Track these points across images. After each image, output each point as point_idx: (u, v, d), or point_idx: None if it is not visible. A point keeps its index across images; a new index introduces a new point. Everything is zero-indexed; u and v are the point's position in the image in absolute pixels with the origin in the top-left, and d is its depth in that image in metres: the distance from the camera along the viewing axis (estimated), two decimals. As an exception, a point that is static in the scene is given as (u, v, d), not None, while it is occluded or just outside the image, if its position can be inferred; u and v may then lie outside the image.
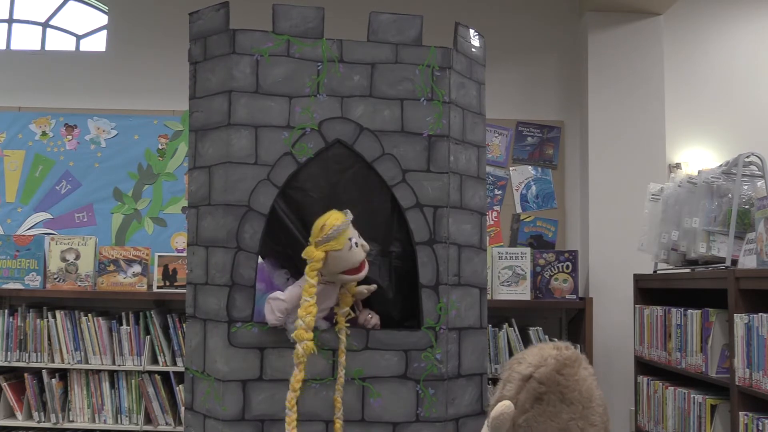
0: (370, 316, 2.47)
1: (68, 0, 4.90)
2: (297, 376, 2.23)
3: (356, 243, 2.28)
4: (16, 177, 4.55)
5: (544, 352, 1.85)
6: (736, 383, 2.53)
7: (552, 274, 4.06)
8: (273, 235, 2.47)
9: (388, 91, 2.50)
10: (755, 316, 2.41)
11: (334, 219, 2.26)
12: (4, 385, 4.05)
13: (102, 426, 4.05)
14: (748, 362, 2.45)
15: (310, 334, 2.22)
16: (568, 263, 4.06)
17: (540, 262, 4.07)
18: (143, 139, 4.56)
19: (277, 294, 2.35)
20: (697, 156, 4.51)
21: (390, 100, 2.50)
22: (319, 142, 2.46)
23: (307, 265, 2.25)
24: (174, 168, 4.55)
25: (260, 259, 2.59)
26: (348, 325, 2.36)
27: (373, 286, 2.44)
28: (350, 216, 2.29)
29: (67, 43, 4.87)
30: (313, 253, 2.24)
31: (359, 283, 2.40)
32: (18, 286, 4.15)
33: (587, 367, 1.83)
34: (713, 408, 2.73)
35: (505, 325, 4.01)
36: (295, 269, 2.49)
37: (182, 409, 3.89)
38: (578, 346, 4.05)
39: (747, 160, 2.98)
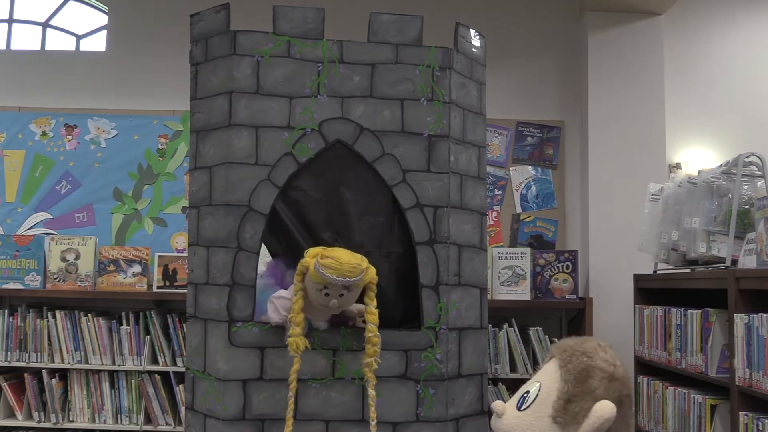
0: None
1: (68, 0, 4.90)
2: (292, 368, 2.24)
3: (327, 293, 2.19)
4: (16, 177, 4.55)
5: (606, 350, 1.87)
6: (736, 383, 2.53)
7: (552, 274, 4.06)
8: (274, 235, 2.47)
9: (389, 92, 2.50)
10: (755, 316, 2.41)
11: (342, 267, 2.16)
12: (4, 385, 4.05)
13: (102, 426, 4.05)
14: (748, 362, 2.45)
15: (297, 330, 2.21)
16: (568, 263, 4.06)
17: (540, 262, 4.08)
18: (143, 139, 4.56)
19: (281, 292, 2.35)
20: (697, 156, 4.51)
21: (390, 101, 2.50)
22: (320, 143, 2.46)
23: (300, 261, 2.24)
24: (174, 168, 4.55)
25: (269, 258, 2.60)
26: (375, 381, 2.27)
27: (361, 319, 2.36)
28: (344, 281, 2.18)
29: (67, 43, 4.88)
30: (306, 256, 2.22)
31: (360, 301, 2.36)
32: (18, 286, 4.16)
33: None
34: (713, 408, 2.73)
35: (505, 325, 4.01)
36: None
37: (182, 409, 3.90)
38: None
39: (747, 160, 2.98)
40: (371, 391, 2.25)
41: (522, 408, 1.84)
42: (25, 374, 4.05)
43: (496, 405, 1.83)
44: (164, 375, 4.07)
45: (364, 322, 2.32)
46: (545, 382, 1.86)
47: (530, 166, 4.56)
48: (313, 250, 2.24)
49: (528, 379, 2.17)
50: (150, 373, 4.04)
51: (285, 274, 2.49)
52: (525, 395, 1.90)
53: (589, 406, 1.78)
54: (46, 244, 4.19)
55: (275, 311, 2.32)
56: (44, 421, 4.04)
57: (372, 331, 2.24)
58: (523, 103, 4.59)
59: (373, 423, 2.24)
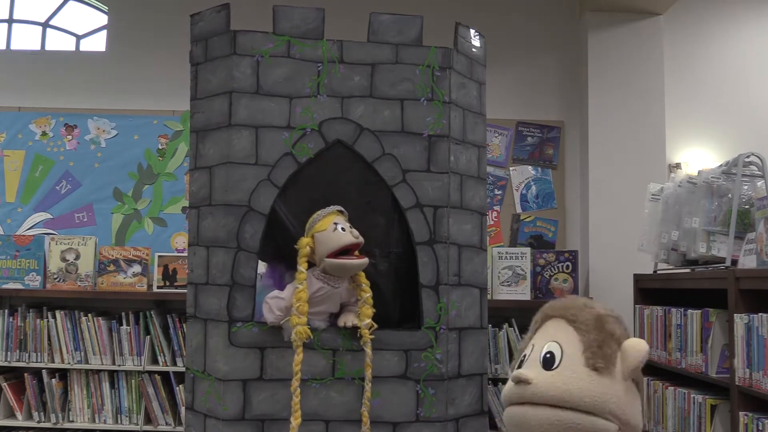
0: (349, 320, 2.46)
1: (68, 0, 4.90)
2: (296, 360, 2.26)
3: (343, 228, 2.29)
4: (16, 177, 4.55)
5: (595, 302, 1.98)
6: (736, 383, 2.53)
7: (552, 274, 4.06)
8: (273, 236, 2.47)
9: (389, 92, 2.50)
10: (755, 316, 2.41)
11: (326, 207, 2.35)
12: (4, 385, 4.05)
13: (102, 426, 4.05)
14: (748, 362, 2.45)
15: (303, 319, 2.24)
16: (568, 263, 4.06)
17: (540, 262, 4.07)
18: (143, 139, 4.56)
19: (276, 293, 2.36)
20: (697, 156, 4.51)
21: (390, 101, 2.50)
22: (320, 143, 2.46)
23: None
24: (174, 168, 4.55)
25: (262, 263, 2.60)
26: (372, 336, 2.32)
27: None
28: (341, 210, 2.35)
29: (67, 43, 4.88)
30: (301, 240, 2.32)
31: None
32: (18, 286, 4.15)
33: None
34: (713, 408, 2.73)
35: (505, 325, 4.01)
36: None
37: (182, 409, 3.90)
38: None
39: (747, 160, 2.98)
40: (368, 351, 2.30)
41: (553, 367, 1.81)
42: (25, 374, 4.05)
43: (520, 374, 1.80)
44: (164, 375, 4.06)
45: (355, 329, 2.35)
46: (561, 339, 1.85)
47: (530, 166, 4.56)
48: (302, 238, 2.33)
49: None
50: (150, 373, 4.04)
51: (284, 275, 2.49)
52: (548, 355, 1.85)
53: (615, 349, 1.82)
54: (46, 244, 4.19)
55: (270, 311, 2.33)
56: (44, 421, 4.04)
57: (368, 291, 2.34)
58: (523, 103, 4.59)
59: (368, 387, 2.30)
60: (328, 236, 2.27)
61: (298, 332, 2.24)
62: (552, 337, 1.89)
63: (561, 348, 1.84)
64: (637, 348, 1.80)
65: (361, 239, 2.32)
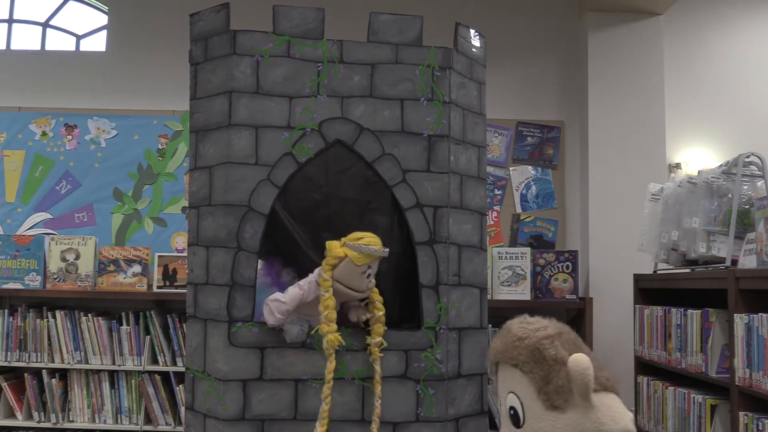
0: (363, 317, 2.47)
1: (68, 0, 4.90)
2: (329, 368, 2.26)
3: (369, 274, 2.28)
4: (16, 177, 4.55)
5: (526, 322, 1.94)
6: (736, 383, 2.53)
7: (552, 274, 4.06)
8: (273, 236, 2.47)
9: (389, 92, 2.50)
10: (755, 316, 2.42)
11: (375, 241, 2.28)
12: (4, 385, 4.05)
13: (102, 426, 4.05)
14: (748, 362, 2.45)
15: (333, 326, 2.25)
16: (568, 263, 4.06)
17: (540, 262, 4.07)
18: (143, 139, 4.56)
19: (277, 295, 2.35)
20: (697, 156, 4.51)
21: (390, 101, 2.50)
22: (320, 143, 2.46)
23: (325, 258, 2.27)
24: (174, 168, 4.55)
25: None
26: (381, 355, 2.34)
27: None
28: (385, 253, 2.29)
29: (67, 43, 4.88)
30: (335, 248, 2.26)
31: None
32: (18, 286, 4.16)
33: None
34: (713, 408, 2.73)
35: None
36: (295, 271, 2.49)
37: (182, 409, 3.90)
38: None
39: (747, 160, 2.98)
40: (378, 368, 2.32)
41: (521, 425, 1.82)
42: (25, 374, 4.05)
43: None
44: (164, 375, 4.07)
45: (366, 324, 2.34)
46: (516, 388, 1.85)
47: (530, 166, 4.56)
48: (334, 243, 2.27)
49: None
50: (150, 373, 4.04)
51: (281, 272, 2.49)
52: (512, 411, 1.87)
53: (565, 374, 1.77)
54: (46, 244, 4.19)
55: (270, 314, 2.31)
56: (44, 421, 4.04)
57: (381, 309, 2.34)
58: (523, 103, 4.59)
59: (378, 404, 2.31)
60: (355, 273, 2.26)
61: (329, 340, 2.24)
62: (508, 387, 1.88)
63: (518, 399, 1.83)
64: (578, 369, 1.72)
65: (369, 292, 2.33)
